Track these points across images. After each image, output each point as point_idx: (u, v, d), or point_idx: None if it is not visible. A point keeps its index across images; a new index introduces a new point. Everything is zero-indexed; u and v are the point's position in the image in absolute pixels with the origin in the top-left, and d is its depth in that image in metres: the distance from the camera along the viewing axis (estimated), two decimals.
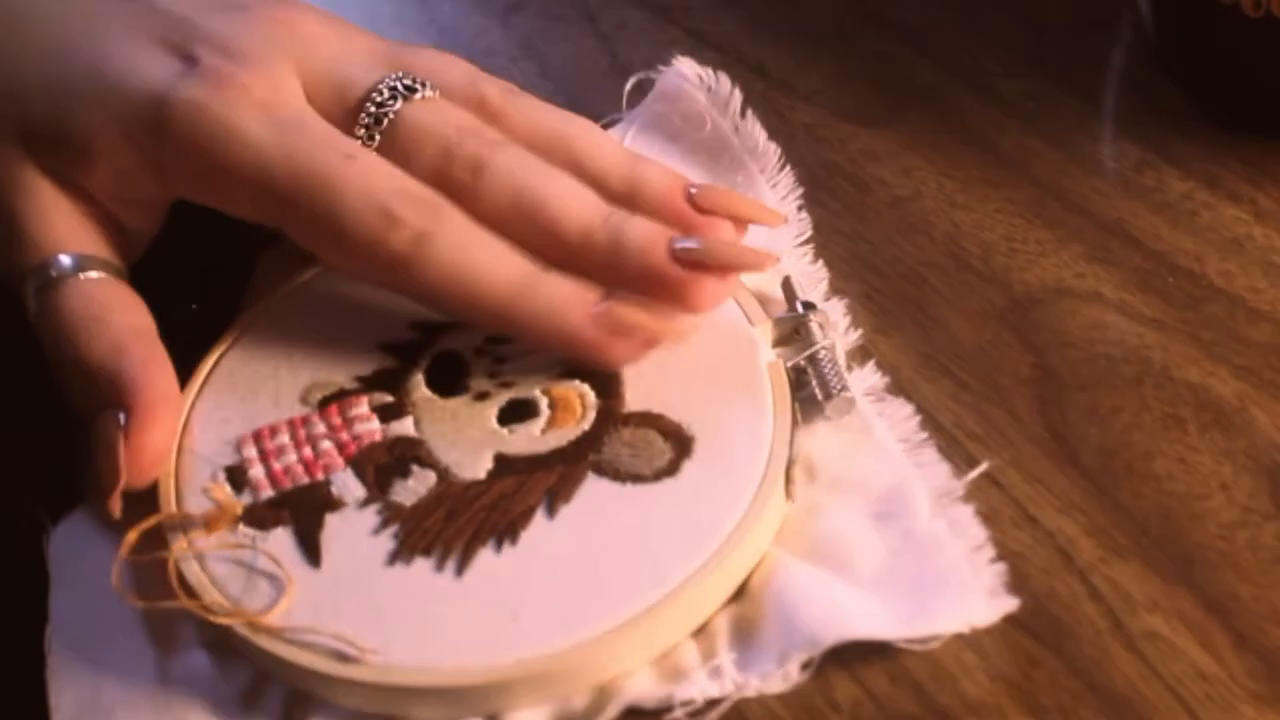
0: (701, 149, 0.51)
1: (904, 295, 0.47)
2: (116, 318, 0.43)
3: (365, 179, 0.42)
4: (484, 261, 0.42)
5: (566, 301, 0.42)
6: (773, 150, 0.50)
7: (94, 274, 0.44)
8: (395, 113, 0.44)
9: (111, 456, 0.41)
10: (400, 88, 0.44)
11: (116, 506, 0.41)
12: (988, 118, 0.53)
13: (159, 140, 0.43)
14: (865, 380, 0.44)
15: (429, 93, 0.45)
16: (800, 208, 0.49)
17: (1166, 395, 0.43)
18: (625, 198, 0.44)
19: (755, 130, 0.51)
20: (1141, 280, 0.47)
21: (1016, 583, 0.39)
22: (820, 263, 0.48)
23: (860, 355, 0.45)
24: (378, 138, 0.44)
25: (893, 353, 0.45)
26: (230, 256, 0.48)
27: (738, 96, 0.51)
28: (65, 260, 0.44)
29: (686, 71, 0.52)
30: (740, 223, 0.45)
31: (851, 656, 0.38)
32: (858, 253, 0.48)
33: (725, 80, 0.52)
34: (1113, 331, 0.45)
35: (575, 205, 0.43)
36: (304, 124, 0.43)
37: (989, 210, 0.49)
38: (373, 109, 0.44)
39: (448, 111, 0.45)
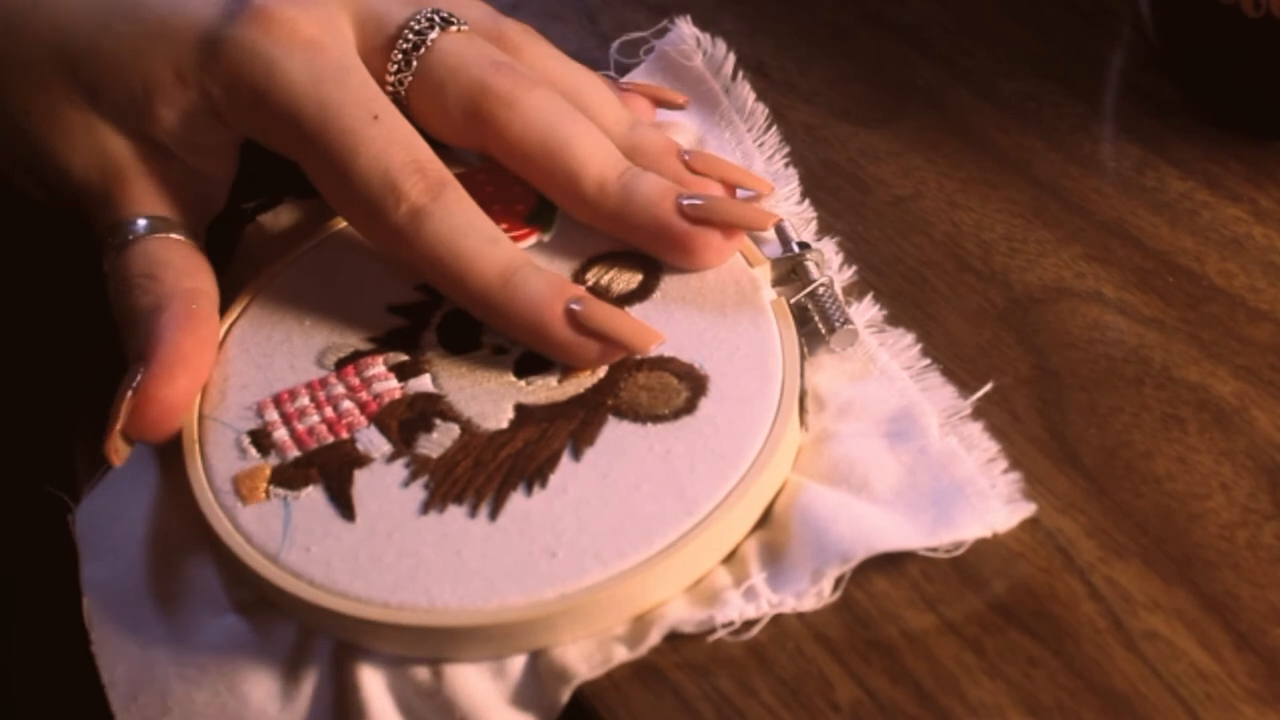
0: (694, 107, 0.52)
1: (904, 295, 0.47)
2: (170, 276, 0.44)
3: (381, 145, 0.43)
4: (473, 247, 0.43)
5: (546, 298, 0.43)
6: (761, 111, 0.52)
7: (163, 235, 0.45)
8: (432, 40, 0.46)
9: (118, 402, 0.42)
10: (437, 19, 0.46)
11: (113, 449, 0.42)
12: (988, 118, 0.53)
13: (211, 78, 0.44)
14: (864, 313, 0.45)
15: (464, 26, 0.46)
16: (787, 164, 0.50)
17: (1166, 395, 0.43)
18: (625, 155, 0.46)
19: (745, 92, 0.52)
20: (1141, 280, 0.47)
21: (1017, 583, 0.39)
22: (807, 202, 0.49)
23: (857, 291, 0.46)
24: (415, 64, 0.46)
25: None
26: (214, 231, 0.48)
27: (731, 59, 0.53)
28: (141, 223, 0.45)
29: (685, 33, 0.53)
30: (729, 187, 0.47)
31: (852, 655, 0.38)
32: (858, 253, 0.48)
33: (721, 44, 0.53)
34: (1113, 331, 0.45)
35: (596, 156, 0.45)
36: (344, 73, 0.44)
37: (989, 210, 0.49)
38: (411, 36, 0.46)
39: (481, 44, 0.46)
